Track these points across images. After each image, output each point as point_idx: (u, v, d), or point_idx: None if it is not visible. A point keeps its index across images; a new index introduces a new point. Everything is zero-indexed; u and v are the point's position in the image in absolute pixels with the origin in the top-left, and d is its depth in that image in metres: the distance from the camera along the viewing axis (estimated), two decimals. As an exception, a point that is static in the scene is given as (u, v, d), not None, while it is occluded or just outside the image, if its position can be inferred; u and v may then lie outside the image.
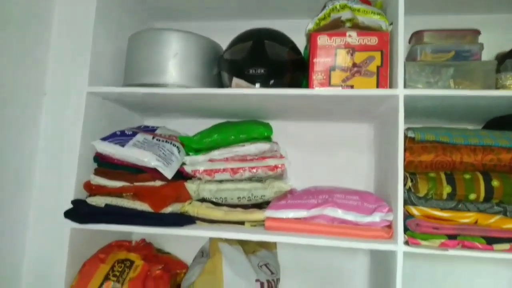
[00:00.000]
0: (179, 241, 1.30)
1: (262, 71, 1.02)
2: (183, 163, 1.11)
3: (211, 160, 1.10)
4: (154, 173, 1.03)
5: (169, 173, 1.03)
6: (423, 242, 0.90)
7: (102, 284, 0.96)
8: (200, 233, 0.99)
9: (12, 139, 1.11)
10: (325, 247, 1.25)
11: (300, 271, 1.27)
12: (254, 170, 1.09)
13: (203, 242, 1.21)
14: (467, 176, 0.93)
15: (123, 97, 1.10)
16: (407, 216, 0.94)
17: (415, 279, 1.19)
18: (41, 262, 1.02)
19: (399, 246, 0.91)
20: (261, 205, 1.09)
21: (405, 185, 0.94)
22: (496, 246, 0.89)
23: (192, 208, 1.05)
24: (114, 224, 0.99)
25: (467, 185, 0.92)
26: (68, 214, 0.99)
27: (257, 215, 1.03)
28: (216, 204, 1.08)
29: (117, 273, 0.98)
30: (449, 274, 1.21)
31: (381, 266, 1.07)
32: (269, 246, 1.22)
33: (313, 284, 1.26)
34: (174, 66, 1.05)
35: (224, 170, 1.09)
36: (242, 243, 1.11)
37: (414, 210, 0.93)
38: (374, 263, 1.19)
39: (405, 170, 0.93)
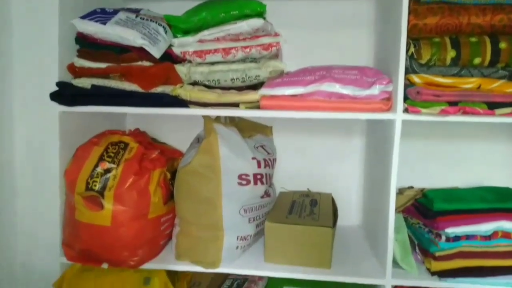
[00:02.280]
0: (173, 131, 1.28)
1: None
2: (171, 45, 1.04)
3: (201, 41, 1.03)
4: (140, 53, 0.97)
5: (156, 52, 0.97)
6: (423, 110, 0.88)
7: (97, 164, 0.94)
8: (194, 112, 0.97)
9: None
10: (321, 129, 1.25)
11: (297, 155, 1.27)
12: (247, 50, 1.03)
13: (198, 131, 1.19)
14: (473, 39, 0.88)
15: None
16: (408, 85, 0.91)
17: (408, 160, 1.19)
18: (33, 149, 1.00)
19: (398, 115, 0.89)
20: (256, 87, 1.04)
21: (407, 51, 0.89)
22: (498, 111, 0.87)
23: (184, 92, 1.00)
24: (104, 105, 0.95)
25: (472, 48, 0.87)
26: (55, 96, 0.95)
27: (252, 95, 0.99)
28: (208, 87, 1.04)
29: (112, 154, 0.97)
30: (443, 152, 1.21)
31: (378, 142, 1.07)
32: (264, 132, 1.21)
33: (310, 167, 1.27)
34: None
35: (215, 51, 1.03)
36: (237, 128, 1.09)
37: (415, 78, 0.89)
38: (370, 143, 1.18)
39: (408, 35, 0.87)
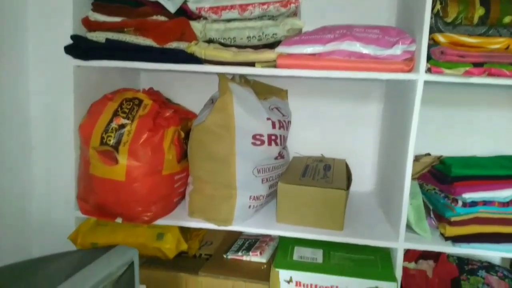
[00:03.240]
0: (187, 93, 1.27)
1: None
2: (186, 1, 1.01)
3: (217, -3, 1.00)
4: (156, 7, 0.95)
5: (172, 7, 0.95)
6: (447, 71, 0.85)
7: (111, 120, 0.94)
8: (209, 69, 0.95)
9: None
10: (338, 94, 1.23)
11: (311, 121, 1.25)
12: (265, 7, 0.99)
13: (212, 92, 1.17)
14: (505, -4, 0.83)
15: None
16: (431, 45, 0.87)
17: (426, 127, 1.16)
18: (48, 104, 1.00)
19: (420, 75, 0.86)
20: (273, 45, 1.01)
21: (433, 9, 0.85)
22: (526, 73, 0.83)
23: (198, 49, 0.98)
24: (118, 60, 0.94)
25: (503, 6, 0.82)
26: (69, 49, 0.93)
27: (268, 54, 0.96)
28: (224, 45, 1.01)
29: (126, 110, 0.96)
30: (462, 120, 1.18)
31: (397, 106, 1.04)
32: (280, 95, 1.18)
33: (325, 133, 1.26)
34: None
35: (231, 7, 1.00)
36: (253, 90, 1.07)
37: (440, 38, 0.86)
38: (388, 108, 1.15)
39: (434, -9, 0.83)
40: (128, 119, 0.95)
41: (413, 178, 1.12)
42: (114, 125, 0.94)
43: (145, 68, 0.94)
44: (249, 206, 0.99)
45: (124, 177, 0.92)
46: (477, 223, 0.90)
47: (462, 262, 1.11)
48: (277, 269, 0.92)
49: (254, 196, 0.99)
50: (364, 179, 1.26)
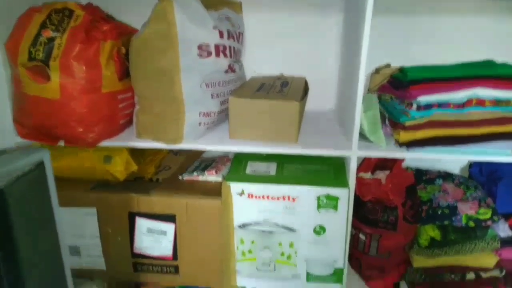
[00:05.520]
0: (133, 12, 1.17)
1: None
2: None
3: None
4: None
5: None
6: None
7: (39, 33, 0.85)
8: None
9: None
10: (296, 6, 1.14)
11: (270, 37, 1.17)
12: None
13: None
14: None
15: None
16: None
17: (387, 39, 1.10)
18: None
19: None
20: None
21: None
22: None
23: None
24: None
25: None
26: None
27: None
28: None
29: (56, 22, 0.87)
30: (424, 30, 1.12)
31: (353, 17, 0.97)
32: (232, 7, 1.09)
33: (285, 50, 1.18)
34: None
35: None
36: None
37: None
38: (346, 19, 1.08)
39: None
40: (58, 31, 0.86)
41: (373, 91, 1.09)
42: (42, 38, 0.85)
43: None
44: (200, 123, 0.94)
45: (59, 94, 0.85)
46: (432, 126, 0.88)
47: (420, 173, 1.11)
48: (228, 182, 0.89)
49: (204, 113, 0.94)
50: (325, 98, 1.21)
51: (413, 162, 1.18)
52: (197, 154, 1.19)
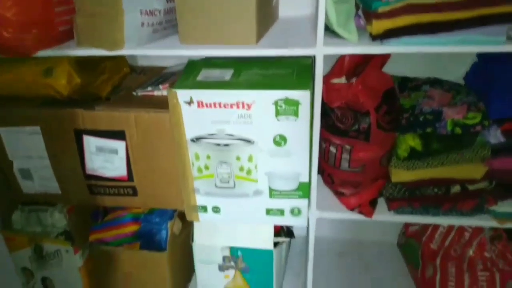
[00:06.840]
0: None
1: None
2: None
3: None
4: None
5: None
6: None
7: None
8: None
9: None
10: None
11: None
12: None
13: None
14: None
15: None
16: None
17: None
18: None
19: None
20: None
21: None
22: None
23: None
24: None
25: None
26: None
27: None
28: None
29: None
30: None
31: None
32: None
33: None
34: None
35: None
36: None
37: None
38: None
39: None
40: None
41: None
42: None
43: None
44: (142, 24, 0.82)
45: (-24, -8, 0.75)
46: (410, 12, 0.73)
47: (406, 79, 0.98)
48: (174, 90, 0.79)
49: (146, 11, 0.82)
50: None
51: (399, 68, 1.02)
52: (160, 71, 1.08)
